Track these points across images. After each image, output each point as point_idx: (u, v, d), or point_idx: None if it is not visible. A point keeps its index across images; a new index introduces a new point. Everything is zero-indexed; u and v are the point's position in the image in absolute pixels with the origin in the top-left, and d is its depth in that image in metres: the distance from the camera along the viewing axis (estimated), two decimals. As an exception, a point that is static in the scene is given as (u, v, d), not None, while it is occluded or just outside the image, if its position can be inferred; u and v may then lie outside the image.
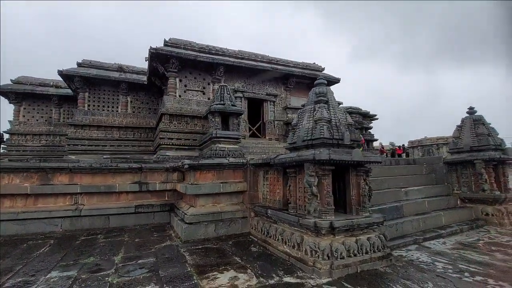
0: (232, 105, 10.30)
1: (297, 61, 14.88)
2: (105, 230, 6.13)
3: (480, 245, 4.76)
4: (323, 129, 4.24)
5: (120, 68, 13.87)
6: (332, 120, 4.45)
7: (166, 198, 7.31)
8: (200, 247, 4.89)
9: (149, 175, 7.16)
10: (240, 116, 10.82)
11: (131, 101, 14.22)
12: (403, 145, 25.42)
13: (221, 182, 5.89)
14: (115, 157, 12.12)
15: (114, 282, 3.48)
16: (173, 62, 11.38)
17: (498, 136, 6.98)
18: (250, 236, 5.51)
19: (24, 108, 14.37)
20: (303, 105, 5.29)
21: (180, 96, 11.89)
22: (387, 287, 3.25)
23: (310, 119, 4.58)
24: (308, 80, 14.79)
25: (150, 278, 3.57)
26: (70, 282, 3.46)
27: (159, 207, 7.02)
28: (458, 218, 6.22)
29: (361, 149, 12.73)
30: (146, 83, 13.61)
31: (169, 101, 11.42)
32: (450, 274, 3.57)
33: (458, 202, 6.83)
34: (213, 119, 10.03)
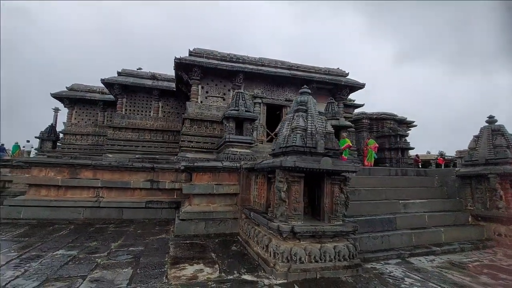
0: (246, 111, 10.72)
1: (319, 67, 14.80)
2: (118, 221, 6.98)
3: (471, 266, 4.41)
4: (296, 137, 4.41)
5: (153, 76, 15.29)
6: (308, 129, 4.59)
7: (175, 196, 7.98)
8: (187, 242, 5.36)
9: (161, 175, 7.92)
10: (254, 122, 11.19)
11: (162, 106, 15.54)
12: (442, 155, 23.18)
13: (216, 184, 6.33)
14: (146, 156, 13.39)
15: (101, 263, 4.11)
16: (195, 70, 12.24)
17: (522, 149, 6.27)
18: (238, 236, 5.83)
19: (76, 112, 16.60)
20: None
21: (201, 102, 12.70)
22: (336, 294, 3.32)
23: (288, 127, 4.77)
24: (330, 85, 14.62)
25: (130, 263, 4.13)
26: (68, 259, 4.18)
27: (167, 204, 7.71)
28: (464, 236, 5.74)
29: (372, 156, 11.80)
30: (175, 89, 14.76)
31: (191, 106, 12.28)
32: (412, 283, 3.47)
33: (470, 219, 6.27)
34: (227, 124, 10.57)
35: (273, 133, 14.24)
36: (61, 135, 16.57)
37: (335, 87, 14.67)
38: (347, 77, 15.17)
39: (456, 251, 5.23)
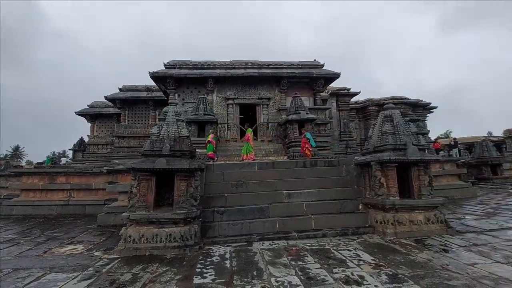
0: (206, 115, 11.84)
1: (292, 61, 15.06)
2: (80, 215, 8.81)
3: (294, 249, 4.81)
4: (146, 143, 5.40)
5: (148, 89, 17.36)
6: (161, 135, 5.52)
7: (132, 194, 9.51)
8: (101, 230, 6.77)
9: (119, 177, 9.51)
10: (216, 124, 12.18)
11: (158, 114, 17.52)
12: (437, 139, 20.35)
13: (137, 183, 7.59)
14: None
15: (21, 242, 5.74)
16: (169, 81, 13.75)
17: (415, 135, 6.10)
18: (147, 225, 7.01)
19: (96, 125, 19.70)
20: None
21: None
22: (140, 264, 4.27)
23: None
24: (306, 79, 14.73)
25: (38, 243, 5.68)
26: (7, 239, 5.91)
27: (123, 200, 9.27)
28: (343, 224, 5.93)
29: (248, 149, 10.67)
30: (165, 98, 16.54)
31: (168, 114, 13.78)
32: (212, 260, 4.22)
33: (360, 207, 6.34)
34: (189, 128, 11.85)
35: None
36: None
37: (311, 80, 14.72)
38: (323, 68, 15.03)
39: (317, 236, 5.54)
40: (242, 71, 14.08)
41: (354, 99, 21.70)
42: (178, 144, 5.49)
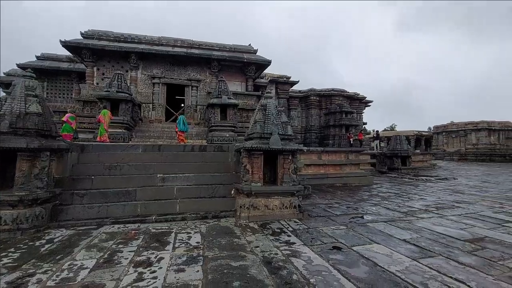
0: (119, 92, 11.14)
1: (225, 44, 14.69)
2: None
3: (133, 233, 4.86)
4: None
5: (70, 59, 15.87)
6: (2, 110, 5.06)
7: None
8: None
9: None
10: (130, 103, 11.55)
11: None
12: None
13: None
14: (66, 137, 14.36)
15: None
16: (85, 52, 12.63)
17: (283, 124, 6.37)
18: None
19: (14, 96, 17.65)
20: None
21: (97, 84, 13.21)
22: None
23: None
24: (238, 63, 14.53)
25: None
26: None
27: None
28: (209, 208, 6.08)
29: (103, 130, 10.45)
30: (91, 72, 15.26)
31: (85, 88, 12.82)
32: (33, 244, 4.05)
33: (232, 192, 6.58)
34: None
35: (177, 113, 14.62)
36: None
37: (244, 65, 14.58)
38: (256, 54, 14.95)
39: (176, 220, 5.64)
40: (170, 49, 13.46)
41: (297, 88, 22.21)
42: (23, 121, 5.08)
